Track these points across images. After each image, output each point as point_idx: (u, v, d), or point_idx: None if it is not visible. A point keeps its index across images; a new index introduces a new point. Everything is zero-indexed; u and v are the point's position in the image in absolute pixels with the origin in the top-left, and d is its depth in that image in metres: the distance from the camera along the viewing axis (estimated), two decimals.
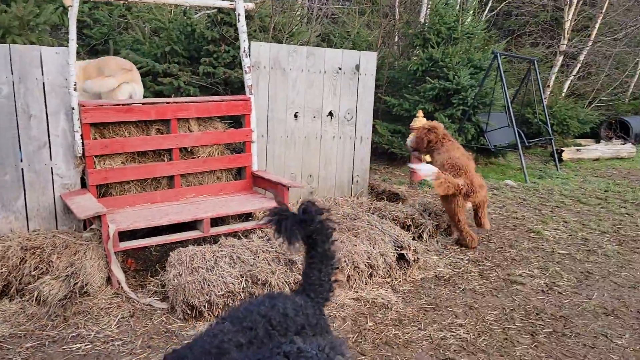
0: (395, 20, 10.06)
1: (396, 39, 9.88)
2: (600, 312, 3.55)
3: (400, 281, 3.90)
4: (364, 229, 4.18)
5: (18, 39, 4.50)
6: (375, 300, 3.54)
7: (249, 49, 4.52)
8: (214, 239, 4.01)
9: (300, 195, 5.08)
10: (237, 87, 5.88)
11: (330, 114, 5.14)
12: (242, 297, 3.35)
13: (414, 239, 4.44)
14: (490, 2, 12.74)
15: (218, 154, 4.59)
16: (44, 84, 3.72)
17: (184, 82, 5.46)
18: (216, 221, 4.13)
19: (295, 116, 4.96)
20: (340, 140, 5.25)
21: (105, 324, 3.12)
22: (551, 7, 13.43)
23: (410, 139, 5.57)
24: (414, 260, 4.04)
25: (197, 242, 3.97)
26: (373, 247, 3.95)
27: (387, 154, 7.83)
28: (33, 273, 3.31)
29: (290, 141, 4.98)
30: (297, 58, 4.85)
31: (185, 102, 4.33)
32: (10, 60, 3.59)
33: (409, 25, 9.21)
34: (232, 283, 3.35)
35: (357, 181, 5.43)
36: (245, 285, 3.38)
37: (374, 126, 6.29)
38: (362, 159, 5.42)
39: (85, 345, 2.90)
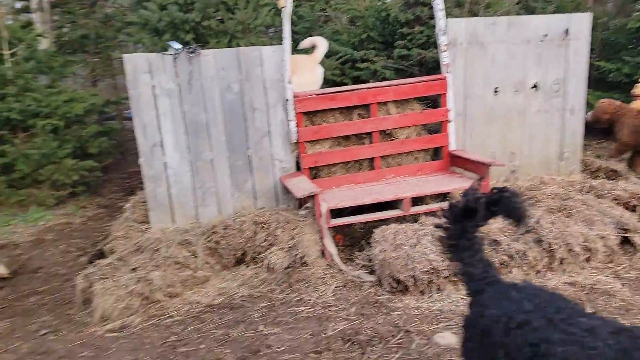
0: None
1: None
2: None
3: (625, 267, 3.50)
4: (578, 209, 3.84)
5: (241, 42, 5.20)
6: (595, 287, 3.25)
7: (446, 26, 4.46)
8: (414, 218, 4.11)
9: (502, 174, 4.87)
10: (431, 67, 5.85)
11: (535, 86, 4.77)
12: (446, 275, 3.40)
13: None
14: None
15: (415, 134, 4.67)
16: (264, 80, 4.25)
17: (381, 66, 5.64)
18: (414, 201, 4.23)
19: (495, 91, 4.74)
20: (547, 113, 4.85)
21: (322, 292, 3.49)
22: None
23: (588, 114, 5.18)
24: None
25: (398, 220, 4.12)
26: (590, 229, 3.60)
27: None
28: (263, 244, 3.86)
29: (490, 118, 4.78)
30: (496, 30, 4.62)
31: (383, 86, 4.49)
32: (239, 61, 4.19)
33: None
34: (436, 260, 3.41)
35: (567, 157, 4.96)
36: (449, 263, 3.41)
37: None
38: (573, 132, 4.92)
39: (308, 309, 3.29)
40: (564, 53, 4.75)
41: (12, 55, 5.52)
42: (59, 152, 5.39)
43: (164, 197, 4.26)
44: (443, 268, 3.38)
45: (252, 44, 5.24)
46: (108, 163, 6.97)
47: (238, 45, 4.99)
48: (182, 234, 3.98)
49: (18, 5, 7.91)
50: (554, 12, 7.52)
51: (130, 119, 8.58)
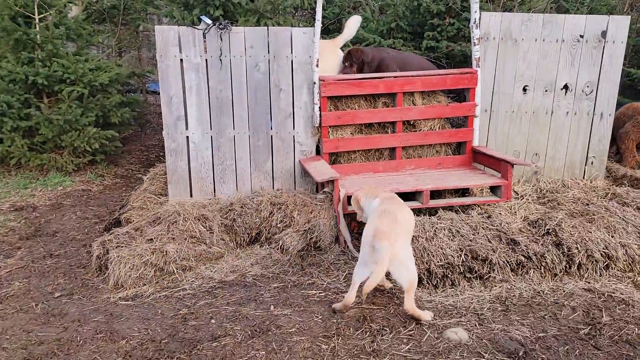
0: None
1: None
2: None
3: None
4: (601, 215, 3.77)
5: (269, 22, 5.16)
6: (613, 295, 3.19)
7: (479, 19, 4.37)
8: (432, 211, 4.08)
9: (523, 175, 4.80)
10: (458, 61, 5.77)
11: (566, 87, 4.68)
12: (461, 271, 3.37)
13: None
14: None
15: (439, 127, 4.61)
16: (292, 61, 4.22)
17: None
18: (434, 194, 4.19)
19: (524, 90, 4.66)
20: (575, 116, 4.76)
21: (334, 277, 3.48)
22: None
23: None
24: None
25: (415, 212, 4.08)
26: (612, 236, 3.54)
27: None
28: (278, 225, 3.86)
29: (516, 116, 4.71)
30: (531, 27, 4.52)
31: (412, 76, 4.43)
32: (268, 41, 4.16)
33: None
34: (452, 255, 3.39)
35: (592, 162, 4.87)
36: (464, 259, 3.39)
37: None
38: (600, 138, 4.82)
39: (320, 293, 3.28)
40: (599, 56, 4.64)
41: (42, 20, 5.54)
42: (82, 119, 5.42)
43: (183, 170, 4.27)
44: (459, 263, 3.35)
45: (280, 25, 5.20)
46: (128, 134, 7.01)
47: (266, 25, 4.95)
48: (199, 208, 3.99)
49: None
50: (587, 13, 7.35)
51: (153, 92, 8.66)
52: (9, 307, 3.15)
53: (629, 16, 4.84)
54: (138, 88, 8.27)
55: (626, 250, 3.48)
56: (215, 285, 3.39)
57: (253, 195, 4.15)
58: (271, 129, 4.34)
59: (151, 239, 3.60)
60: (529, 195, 4.52)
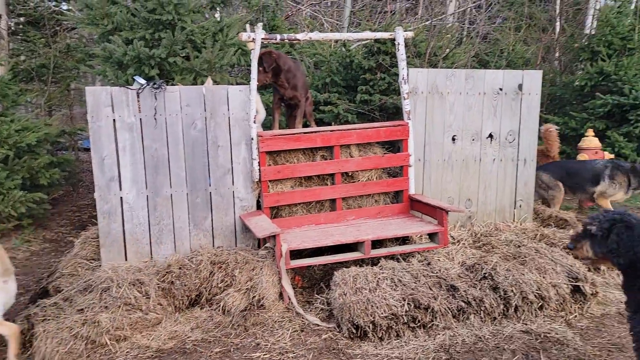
0: (556, 33, 9.41)
1: (557, 54, 9.23)
2: None
3: (576, 316, 3.59)
4: (532, 257, 3.95)
5: (205, 80, 5.19)
6: (549, 335, 3.30)
7: (408, 75, 4.62)
8: (374, 261, 4.11)
9: (458, 220, 4.98)
10: (391, 112, 6.02)
11: (491, 136, 4.98)
12: (405, 321, 3.38)
13: (589, 270, 4.05)
14: None
15: (376, 178, 4.73)
16: (229, 118, 4.25)
17: (343, 109, 5.76)
18: (375, 244, 4.24)
19: (453, 139, 4.91)
20: (501, 162, 5.04)
21: (279, 336, 3.39)
22: None
23: None
24: (592, 294, 3.69)
25: (357, 263, 4.11)
26: (543, 277, 3.70)
27: None
28: (219, 285, 3.74)
29: (448, 164, 4.93)
30: (455, 81, 4.82)
31: (347, 130, 4.57)
32: (204, 99, 4.18)
33: (573, 39, 8.54)
34: (395, 305, 3.40)
35: (520, 206, 5.14)
36: (407, 309, 3.41)
37: None
38: (525, 182, 5.12)
39: (264, 355, 3.18)
40: (518, 106, 5.00)
41: None
42: (7, 182, 5.13)
43: (117, 233, 4.10)
44: (402, 313, 3.37)
45: (217, 83, 5.25)
46: (58, 195, 6.69)
47: (203, 83, 4.99)
48: (134, 273, 3.81)
49: None
50: (506, 67, 7.98)
51: (86, 149, 8.37)
52: None
53: (541, 70, 5.29)
54: (70, 146, 7.98)
55: (557, 290, 3.64)
56: (152, 355, 3.20)
57: (192, 255, 4.03)
58: (210, 185, 4.29)
59: (82, 309, 3.38)
60: (465, 239, 4.67)
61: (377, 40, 5.77)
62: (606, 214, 2.46)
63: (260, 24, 4.10)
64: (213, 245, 4.33)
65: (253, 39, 4.18)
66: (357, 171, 4.64)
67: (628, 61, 7.07)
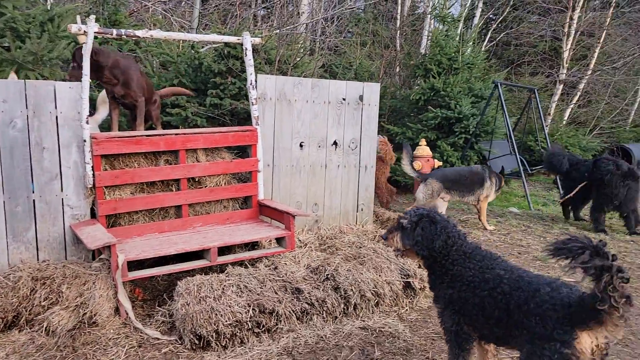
0: (397, 51, 10.28)
1: (397, 70, 10.09)
2: None
3: (407, 310, 3.91)
4: (370, 257, 4.21)
5: (31, 74, 4.63)
6: (383, 329, 3.54)
7: (256, 81, 4.64)
8: (221, 268, 4.03)
9: (306, 224, 5.13)
10: (243, 118, 5.99)
11: (335, 143, 5.22)
12: (250, 327, 3.37)
13: (419, 267, 4.45)
14: (489, 33, 13.00)
15: (225, 183, 4.66)
16: (57, 117, 3.83)
17: (192, 113, 5.57)
18: (223, 250, 4.17)
19: (301, 146, 5.05)
20: (345, 169, 5.32)
21: (113, 354, 3.14)
22: (549, 38, 13.70)
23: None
24: (420, 289, 4.05)
25: (204, 271, 3.99)
26: (379, 275, 3.97)
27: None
28: (43, 303, 3.34)
29: (296, 170, 5.05)
30: (302, 90, 4.97)
31: (194, 133, 4.42)
32: (26, 95, 3.71)
33: (410, 57, 9.41)
34: (240, 312, 3.37)
35: (362, 209, 5.47)
36: (252, 315, 3.40)
37: None
38: (366, 187, 5.47)
39: None
40: (359, 116, 5.32)
41: None
42: None
43: None
44: (247, 320, 3.34)
45: (45, 78, 4.71)
46: None
47: (27, 77, 4.44)
48: None
49: None
50: (353, 78, 8.49)
51: None
52: None
53: (379, 83, 5.71)
54: None
55: (391, 287, 3.93)
56: None
57: (10, 272, 3.54)
58: (33, 192, 3.82)
59: None
60: (312, 243, 4.83)
61: (227, 44, 5.70)
62: (417, 210, 2.73)
63: (92, 16, 3.77)
64: (38, 259, 3.85)
65: (85, 31, 3.83)
66: (204, 176, 4.52)
67: (454, 79, 7.99)
